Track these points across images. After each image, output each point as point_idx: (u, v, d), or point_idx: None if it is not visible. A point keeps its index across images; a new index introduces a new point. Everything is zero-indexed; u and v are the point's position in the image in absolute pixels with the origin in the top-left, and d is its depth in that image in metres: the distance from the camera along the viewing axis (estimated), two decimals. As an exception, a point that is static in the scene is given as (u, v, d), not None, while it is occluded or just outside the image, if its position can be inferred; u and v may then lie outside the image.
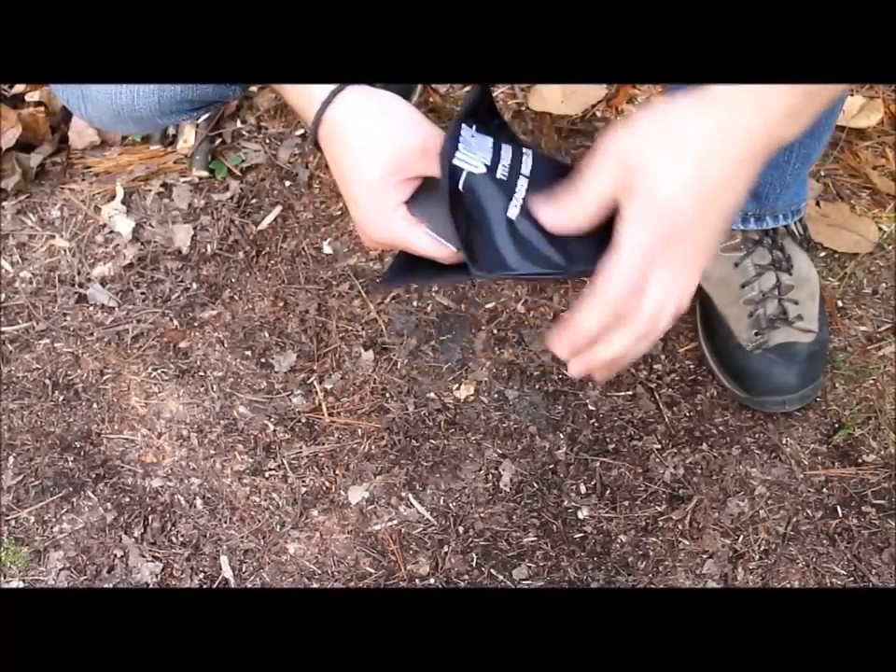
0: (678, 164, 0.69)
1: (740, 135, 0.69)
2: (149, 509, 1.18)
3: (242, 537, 1.16)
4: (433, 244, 0.77)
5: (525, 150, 0.79)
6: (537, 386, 1.25)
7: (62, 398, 1.25)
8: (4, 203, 1.38)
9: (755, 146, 0.70)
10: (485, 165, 0.76)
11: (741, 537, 1.16)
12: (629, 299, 0.70)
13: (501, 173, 0.77)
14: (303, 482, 1.19)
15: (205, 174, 1.41)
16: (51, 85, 0.96)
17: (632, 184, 0.69)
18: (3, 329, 1.29)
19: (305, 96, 0.77)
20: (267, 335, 1.29)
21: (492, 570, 1.14)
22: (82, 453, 1.21)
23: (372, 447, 1.21)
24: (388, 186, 0.76)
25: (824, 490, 1.19)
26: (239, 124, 1.46)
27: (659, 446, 1.22)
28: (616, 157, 0.70)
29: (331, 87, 0.76)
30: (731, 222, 0.74)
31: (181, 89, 0.88)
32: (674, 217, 0.69)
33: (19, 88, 1.47)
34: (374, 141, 0.76)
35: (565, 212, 0.73)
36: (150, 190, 1.40)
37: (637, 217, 0.69)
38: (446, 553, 1.15)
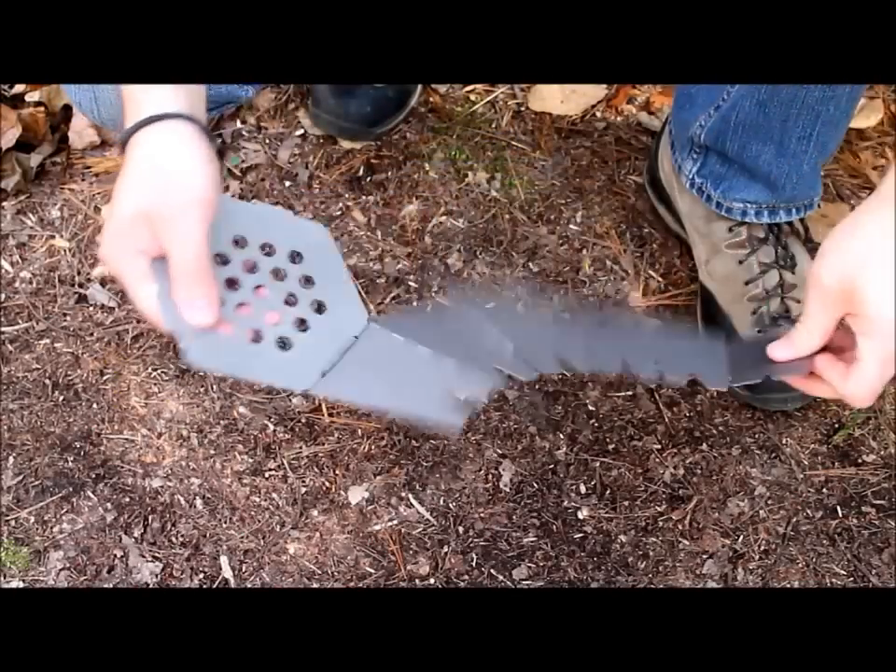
0: (891, 278, 0.72)
1: None
2: (149, 509, 1.18)
3: (242, 537, 1.16)
4: (152, 310, 0.73)
5: None
6: (537, 386, 1.25)
7: (62, 398, 1.25)
8: (4, 203, 1.38)
9: None
10: None
11: (741, 537, 1.16)
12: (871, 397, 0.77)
13: None
14: (303, 482, 1.19)
15: (205, 174, 1.41)
16: (63, 88, 0.95)
17: (855, 310, 0.73)
18: (3, 329, 1.29)
19: (134, 106, 0.74)
20: (267, 335, 1.29)
21: (492, 570, 1.14)
22: (82, 453, 1.21)
23: (372, 447, 1.21)
24: (140, 228, 0.72)
25: (824, 490, 1.19)
26: (239, 124, 1.46)
27: (659, 446, 1.22)
28: (828, 289, 0.74)
29: (156, 110, 0.73)
30: None
31: None
32: None
33: (19, 88, 1.47)
34: (148, 182, 0.72)
35: (794, 347, 0.78)
36: (150, 190, 1.40)
37: (870, 336, 0.73)
38: (446, 553, 1.15)
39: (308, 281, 0.77)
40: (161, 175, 0.72)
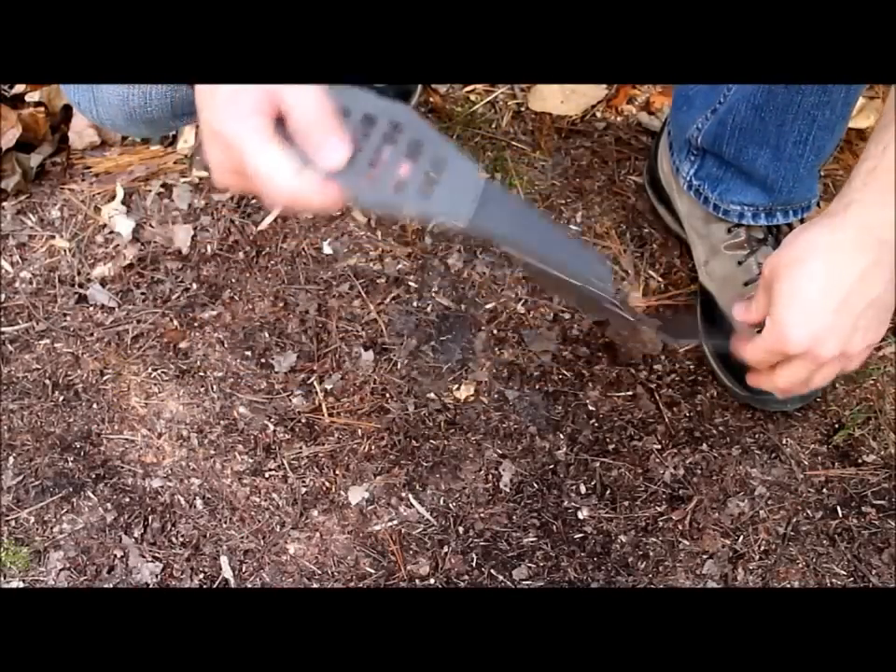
0: (803, 287, 0.78)
1: (869, 246, 0.76)
2: (149, 509, 1.18)
3: (242, 537, 1.16)
4: (275, 169, 0.70)
5: None
6: (537, 387, 1.25)
7: (62, 398, 1.25)
8: (4, 203, 1.38)
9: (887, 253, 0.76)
10: None
11: (741, 537, 1.16)
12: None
13: None
14: (303, 482, 1.19)
15: (206, 174, 1.41)
16: (62, 89, 0.94)
17: (772, 303, 0.80)
18: (3, 329, 1.29)
19: None
20: (267, 335, 1.29)
21: (492, 570, 1.14)
22: (82, 453, 1.21)
23: (372, 447, 1.21)
24: (254, 88, 0.71)
25: (824, 490, 1.19)
26: (239, 124, 1.46)
27: (659, 446, 1.22)
28: (763, 278, 0.82)
29: None
30: (885, 318, 0.81)
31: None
32: (795, 344, 0.79)
33: (19, 88, 1.47)
34: None
35: (745, 314, 0.86)
36: (150, 191, 1.40)
37: (767, 331, 0.81)
38: (446, 553, 1.15)
39: (417, 144, 0.78)
40: None
